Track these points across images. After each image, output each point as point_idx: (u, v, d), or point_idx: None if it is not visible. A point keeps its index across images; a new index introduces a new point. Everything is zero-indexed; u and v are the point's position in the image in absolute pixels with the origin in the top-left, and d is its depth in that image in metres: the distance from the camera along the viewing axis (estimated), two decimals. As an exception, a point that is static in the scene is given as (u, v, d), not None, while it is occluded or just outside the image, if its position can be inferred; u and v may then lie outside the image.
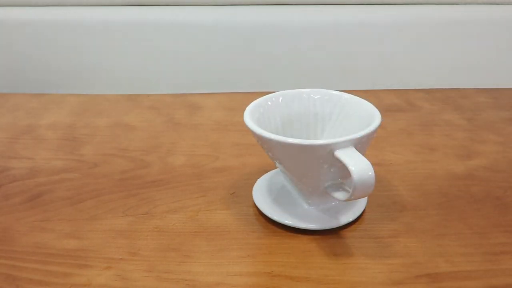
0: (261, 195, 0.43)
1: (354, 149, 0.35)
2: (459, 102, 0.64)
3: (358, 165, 0.34)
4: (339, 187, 0.38)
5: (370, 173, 0.34)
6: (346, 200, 0.36)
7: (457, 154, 0.51)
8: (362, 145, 0.36)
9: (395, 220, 0.41)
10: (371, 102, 0.41)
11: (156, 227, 0.41)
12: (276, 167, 0.46)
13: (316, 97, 0.44)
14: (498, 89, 0.68)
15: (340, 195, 0.37)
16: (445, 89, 0.68)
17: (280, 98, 0.43)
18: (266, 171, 0.47)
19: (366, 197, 0.42)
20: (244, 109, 0.40)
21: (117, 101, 0.65)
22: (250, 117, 0.39)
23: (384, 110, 0.60)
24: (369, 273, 0.35)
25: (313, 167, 0.37)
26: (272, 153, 0.38)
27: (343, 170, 0.35)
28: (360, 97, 0.42)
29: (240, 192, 0.45)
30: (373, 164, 0.34)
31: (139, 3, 0.90)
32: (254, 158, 0.50)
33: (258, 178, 0.46)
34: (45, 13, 0.88)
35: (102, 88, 0.92)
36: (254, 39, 0.92)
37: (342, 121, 0.43)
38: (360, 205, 0.42)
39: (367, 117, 0.39)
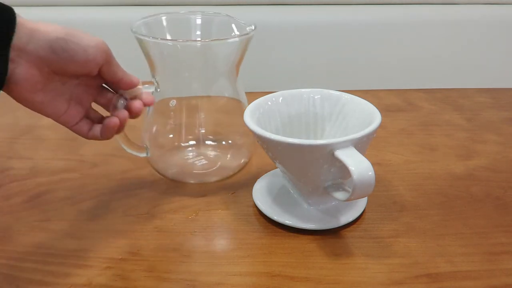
0: (261, 195, 0.43)
1: (354, 149, 0.35)
2: (459, 102, 0.64)
3: (358, 165, 0.34)
4: (339, 187, 0.38)
5: (370, 173, 0.34)
6: (346, 200, 0.36)
7: (457, 154, 0.51)
8: (362, 145, 0.36)
9: (395, 220, 0.41)
10: (371, 102, 0.41)
11: (156, 227, 0.41)
12: (276, 167, 0.46)
13: (316, 97, 0.44)
14: (498, 89, 0.68)
15: (340, 195, 0.37)
16: (445, 89, 0.68)
17: (280, 98, 0.43)
18: (266, 171, 0.47)
19: (366, 197, 0.42)
20: (244, 109, 0.40)
21: (117, 101, 0.65)
22: (250, 117, 0.39)
23: (384, 110, 0.60)
24: (369, 273, 0.35)
25: (313, 167, 0.37)
26: (272, 153, 0.38)
27: (343, 170, 0.35)
28: (360, 97, 0.42)
29: (240, 192, 0.45)
30: (373, 164, 0.34)
31: (139, 3, 0.90)
32: (254, 158, 0.50)
33: (258, 178, 0.46)
34: (45, 13, 0.88)
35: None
36: (254, 39, 0.92)
37: (342, 121, 0.43)
38: (360, 205, 0.42)
39: (367, 117, 0.39)
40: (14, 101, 0.35)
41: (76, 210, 0.43)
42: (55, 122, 0.38)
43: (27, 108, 0.36)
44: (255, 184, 0.45)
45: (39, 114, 0.37)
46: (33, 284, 0.35)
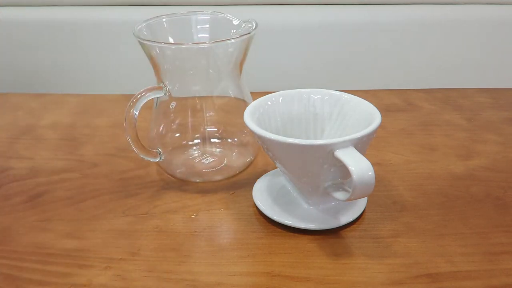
0: (261, 195, 0.43)
1: (354, 149, 0.35)
2: (459, 102, 0.64)
3: (358, 165, 0.34)
4: (339, 187, 0.38)
5: (370, 173, 0.34)
6: (346, 200, 0.36)
7: (457, 154, 0.51)
8: (362, 145, 0.36)
9: (395, 220, 0.41)
10: (371, 102, 0.41)
11: (156, 227, 0.41)
12: (276, 167, 0.46)
13: (316, 97, 0.44)
14: (498, 89, 0.68)
15: (340, 195, 0.37)
16: (445, 89, 0.68)
17: (280, 98, 0.43)
18: (266, 171, 0.47)
19: (366, 197, 0.42)
20: (244, 109, 0.40)
21: (117, 101, 0.65)
22: (250, 117, 0.39)
23: (384, 110, 0.60)
24: (369, 273, 0.35)
25: (313, 167, 0.37)
26: (272, 153, 0.38)
27: (343, 170, 0.35)
28: (360, 97, 0.42)
29: (240, 192, 0.45)
30: (373, 164, 0.34)
31: (139, 3, 0.90)
32: (258, 157, 0.50)
33: (258, 178, 0.46)
34: (45, 13, 0.88)
35: (102, 88, 0.92)
36: (253, 38, 0.92)
37: (342, 121, 0.43)
38: (360, 205, 0.42)
39: (367, 117, 0.39)
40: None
41: (76, 210, 0.43)
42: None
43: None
44: (255, 184, 0.45)
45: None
46: (33, 284, 0.35)
